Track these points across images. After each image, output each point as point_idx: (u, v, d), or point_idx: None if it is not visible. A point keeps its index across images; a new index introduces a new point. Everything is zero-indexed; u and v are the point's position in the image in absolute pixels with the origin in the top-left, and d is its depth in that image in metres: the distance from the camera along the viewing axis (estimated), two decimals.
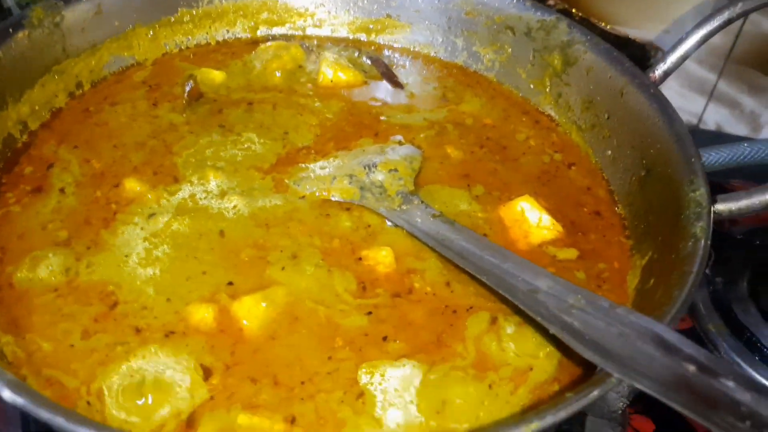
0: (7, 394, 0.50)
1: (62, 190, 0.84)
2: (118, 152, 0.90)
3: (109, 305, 0.72)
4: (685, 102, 1.51)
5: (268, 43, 1.12)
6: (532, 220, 0.87)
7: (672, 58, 0.91)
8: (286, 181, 0.89)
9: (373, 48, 1.16)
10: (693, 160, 0.78)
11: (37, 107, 0.92)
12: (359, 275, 0.78)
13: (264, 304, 0.73)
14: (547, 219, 0.87)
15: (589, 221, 0.90)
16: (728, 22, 0.88)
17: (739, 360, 1.01)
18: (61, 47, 0.94)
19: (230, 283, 0.75)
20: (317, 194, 0.87)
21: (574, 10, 1.47)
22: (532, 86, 1.07)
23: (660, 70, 0.91)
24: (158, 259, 0.77)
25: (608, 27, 1.47)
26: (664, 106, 0.86)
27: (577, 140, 1.01)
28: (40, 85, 0.92)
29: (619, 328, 0.60)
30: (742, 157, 1.42)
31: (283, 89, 1.05)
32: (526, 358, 0.72)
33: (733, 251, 1.13)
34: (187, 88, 0.97)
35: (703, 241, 0.69)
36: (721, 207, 0.74)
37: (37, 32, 0.91)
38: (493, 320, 0.75)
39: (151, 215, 0.82)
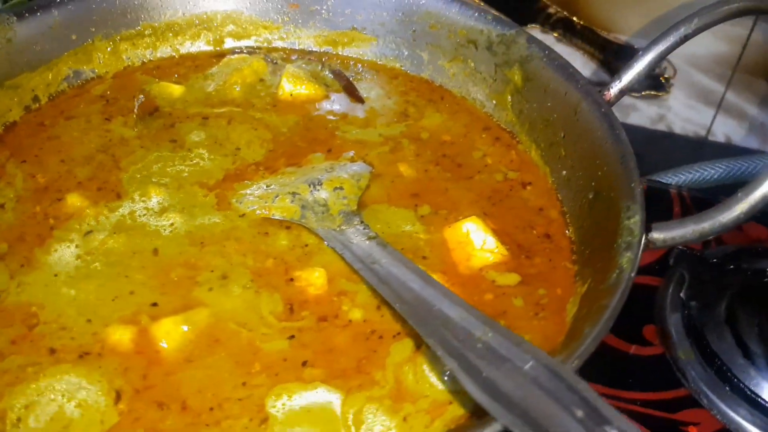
0: None
1: (2, 206, 0.85)
2: (65, 167, 0.91)
3: (29, 326, 0.72)
4: (693, 113, 1.48)
5: (232, 56, 1.12)
6: (476, 242, 0.85)
7: (627, 76, 0.88)
8: (230, 199, 0.88)
9: (339, 62, 1.15)
10: (633, 185, 0.75)
11: None
12: (288, 297, 0.78)
13: (185, 327, 0.73)
14: (492, 242, 0.85)
15: (538, 244, 0.88)
16: (684, 39, 0.85)
17: (707, 390, 0.97)
18: (14, 62, 0.96)
19: (154, 304, 0.75)
20: (258, 212, 0.86)
21: (575, 19, 1.44)
22: (494, 102, 1.05)
23: (615, 88, 0.89)
24: (87, 277, 0.78)
25: (611, 36, 1.44)
26: (613, 126, 0.84)
27: (536, 159, 0.99)
28: None
29: (517, 368, 0.58)
30: (748, 172, 1.38)
31: (240, 103, 1.05)
32: (445, 393, 0.70)
33: (711, 273, 1.09)
34: (138, 103, 0.98)
35: (627, 274, 0.67)
36: (656, 236, 0.71)
37: None
38: (417, 347, 0.73)
39: (88, 232, 0.82)
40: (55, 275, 0.77)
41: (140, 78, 1.08)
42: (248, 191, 0.90)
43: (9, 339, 0.71)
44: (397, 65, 1.14)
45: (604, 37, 1.43)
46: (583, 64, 1.45)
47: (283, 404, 0.67)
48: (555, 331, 0.77)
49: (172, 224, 0.84)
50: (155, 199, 0.87)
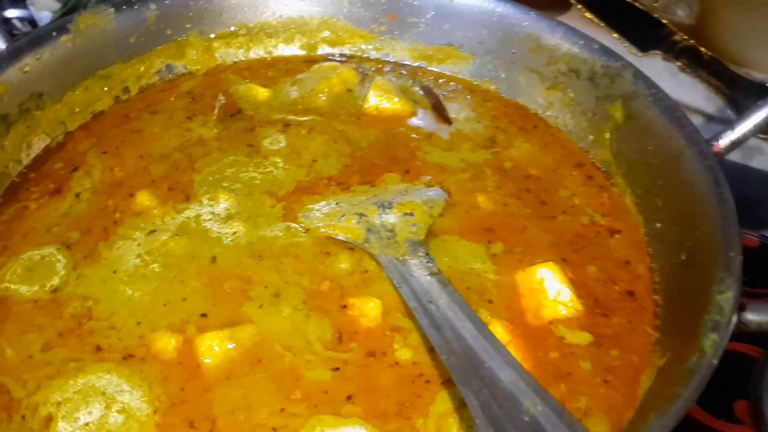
0: None
1: (78, 195, 0.87)
2: (142, 163, 0.92)
3: (80, 321, 0.73)
4: None
5: (323, 63, 1.11)
6: (550, 291, 0.79)
7: (742, 128, 0.79)
8: (297, 213, 0.87)
9: (431, 78, 1.11)
10: (731, 254, 0.67)
11: (77, 109, 0.96)
12: (338, 325, 0.75)
13: (229, 344, 0.72)
14: (567, 294, 0.79)
15: (618, 301, 0.81)
16: None
17: None
18: (108, 53, 0.98)
19: (204, 315, 0.75)
20: (322, 230, 0.84)
21: (703, 49, 1.34)
22: (591, 137, 0.98)
23: (726, 139, 0.80)
24: (144, 278, 0.78)
25: (742, 71, 1.33)
26: (718, 182, 0.76)
27: (629, 205, 0.91)
28: (83, 88, 0.96)
29: None
30: None
31: (324, 113, 1.03)
32: None
33: None
34: (218, 104, 0.98)
35: (708, 360, 0.59)
36: (751, 317, 0.63)
37: (82, 37, 0.95)
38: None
39: (152, 231, 0.83)
40: (114, 272, 0.78)
41: (230, 77, 1.08)
42: (316, 206, 0.88)
43: (58, 331, 0.72)
44: (492, 87, 1.09)
45: (734, 71, 1.32)
46: (706, 98, 1.33)
47: None
48: (623, 404, 0.70)
49: (234, 233, 0.83)
50: (223, 204, 0.87)
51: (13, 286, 0.76)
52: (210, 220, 0.85)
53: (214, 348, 0.71)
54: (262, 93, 1.05)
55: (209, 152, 0.94)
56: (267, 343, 0.73)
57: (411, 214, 0.85)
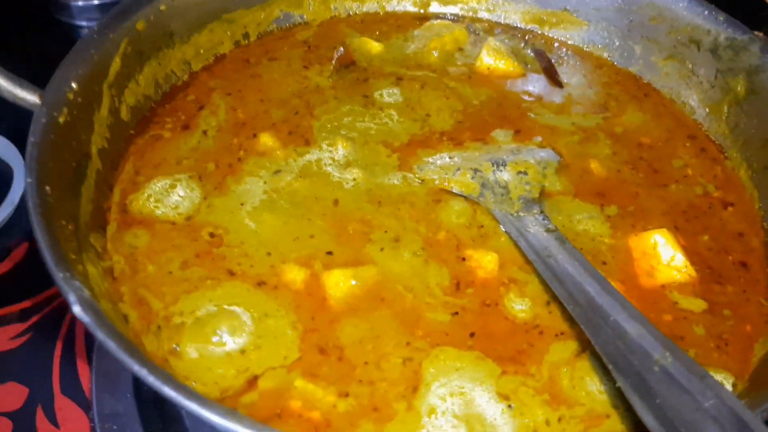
0: (77, 310, 0.57)
1: (205, 132, 0.92)
2: (263, 107, 0.97)
3: (213, 245, 0.78)
4: None
5: (435, 21, 1.13)
6: (663, 256, 0.82)
7: None
8: (412, 164, 0.90)
9: (543, 42, 1.13)
10: None
11: (202, 51, 1.01)
12: (456, 273, 0.79)
13: (353, 281, 0.76)
14: (681, 259, 0.81)
15: (732, 271, 0.83)
16: None
17: None
18: None
19: (329, 253, 0.79)
20: (437, 182, 0.87)
21: None
22: (707, 110, 0.98)
23: None
24: (273, 212, 0.83)
25: None
26: None
27: (744, 179, 0.92)
28: (209, 30, 1.01)
29: (697, 402, 0.55)
30: None
31: (436, 69, 1.06)
32: (606, 405, 0.68)
33: None
34: (337, 55, 1.01)
35: None
36: None
37: None
38: (580, 352, 0.72)
39: (277, 171, 0.87)
40: (242, 204, 0.83)
41: (343, 30, 1.12)
42: (431, 159, 0.91)
43: (194, 252, 0.78)
44: (605, 55, 1.10)
45: None
46: None
47: (438, 372, 0.69)
48: (736, 370, 0.72)
49: (354, 179, 0.87)
50: (341, 151, 0.91)
51: (151, 207, 0.82)
52: (330, 165, 0.89)
53: (340, 284, 0.76)
54: (375, 47, 1.08)
55: (326, 100, 0.99)
56: (389, 284, 0.77)
57: (525, 173, 0.88)
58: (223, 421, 0.53)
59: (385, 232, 0.82)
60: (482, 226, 0.84)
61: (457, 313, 0.75)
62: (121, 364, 0.94)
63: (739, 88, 0.94)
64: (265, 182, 0.86)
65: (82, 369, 0.99)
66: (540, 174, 0.89)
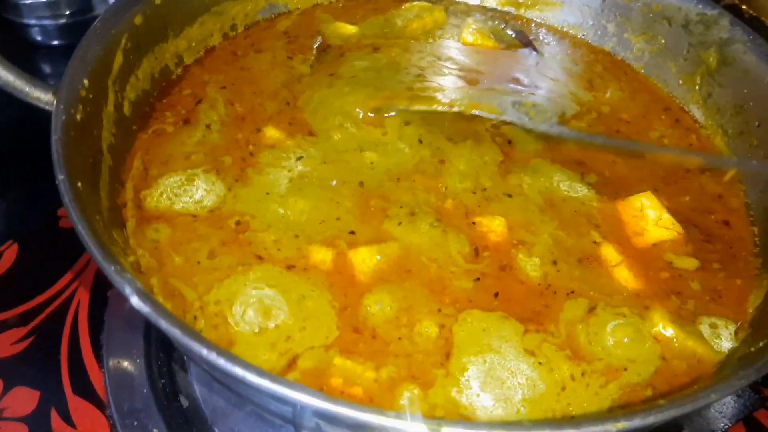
0: (135, 301, 0.58)
1: (208, 126, 0.94)
2: (257, 99, 0.99)
3: (240, 232, 0.81)
4: None
5: (414, 3, 1.17)
6: (651, 216, 0.88)
7: None
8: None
9: (520, 22, 1.18)
10: None
11: (193, 44, 1.03)
12: (472, 239, 0.83)
13: (378, 257, 0.80)
14: (667, 217, 0.88)
15: (716, 229, 0.90)
16: None
17: None
18: None
19: (352, 232, 0.82)
20: (462, 106, 0.94)
21: (744, 7, 1.40)
22: (680, 82, 1.06)
23: None
24: (300, 198, 0.85)
25: None
26: None
27: (719, 145, 0.99)
28: (199, 23, 1.02)
29: None
30: None
31: (419, 38, 1.10)
32: (621, 359, 0.74)
33: None
34: (316, 44, 1.04)
35: None
36: None
37: None
38: (591, 309, 0.77)
39: (300, 158, 0.90)
40: (267, 194, 0.86)
41: (320, 16, 1.14)
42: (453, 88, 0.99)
43: (220, 240, 0.80)
44: (579, 34, 1.16)
45: None
46: None
47: (468, 335, 0.74)
48: (735, 318, 0.79)
49: (372, 163, 0.91)
50: (342, 136, 0.93)
51: (168, 203, 0.83)
52: (344, 151, 0.91)
53: (367, 261, 0.79)
54: (350, 29, 1.12)
55: (308, 87, 1.01)
56: (413, 256, 0.81)
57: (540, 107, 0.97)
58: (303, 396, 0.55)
59: (401, 207, 0.86)
60: (485, 189, 0.89)
61: (478, 279, 0.80)
62: (134, 358, 0.96)
63: (711, 60, 1.01)
64: (288, 170, 0.89)
65: (92, 368, 0.99)
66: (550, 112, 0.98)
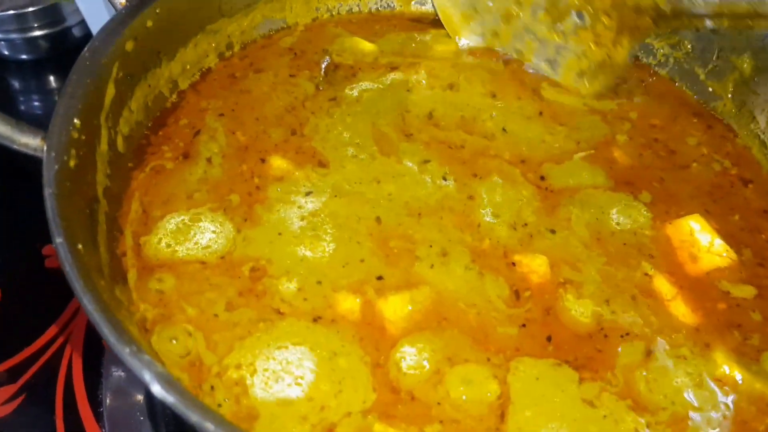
0: (157, 390, 0.50)
1: (209, 160, 0.86)
2: (260, 126, 0.91)
3: (255, 279, 0.73)
4: None
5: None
6: (702, 242, 0.82)
7: None
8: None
9: None
10: None
11: (188, 66, 0.95)
12: (512, 282, 0.77)
13: (410, 306, 0.73)
14: (719, 243, 0.82)
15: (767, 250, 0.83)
16: None
17: None
18: (217, 6, 0.96)
19: (380, 278, 0.75)
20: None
21: None
22: (710, 89, 1.00)
23: None
24: (316, 238, 0.78)
25: None
26: None
27: (758, 156, 0.94)
28: (193, 45, 0.95)
29: None
30: None
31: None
32: (686, 406, 0.69)
33: None
34: (324, 64, 0.97)
35: None
36: None
37: None
38: (648, 353, 0.71)
39: (308, 193, 0.82)
40: (280, 234, 0.78)
41: (332, 30, 1.06)
42: None
43: (237, 290, 0.73)
44: None
45: None
46: None
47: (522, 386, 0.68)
48: None
49: (389, 194, 0.83)
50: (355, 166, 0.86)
51: (170, 249, 0.75)
52: (356, 182, 0.84)
53: (397, 312, 0.72)
54: (368, 47, 1.03)
55: (321, 108, 0.93)
56: (449, 302, 0.74)
57: None
58: None
59: (430, 246, 0.79)
60: (526, 225, 0.82)
61: (524, 325, 0.73)
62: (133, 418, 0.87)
63: (744, 66, 0.95)
64: (299, 207, 0.81)
65: (89, 424, 0.91)
66: None
